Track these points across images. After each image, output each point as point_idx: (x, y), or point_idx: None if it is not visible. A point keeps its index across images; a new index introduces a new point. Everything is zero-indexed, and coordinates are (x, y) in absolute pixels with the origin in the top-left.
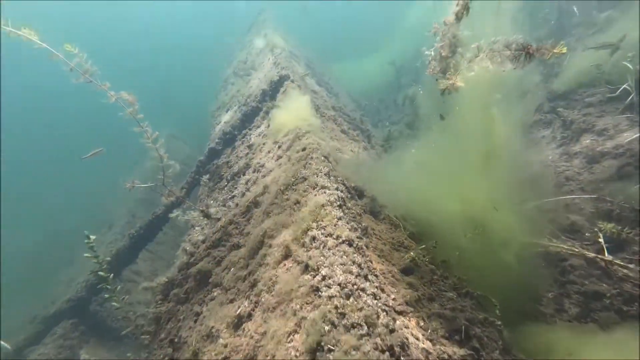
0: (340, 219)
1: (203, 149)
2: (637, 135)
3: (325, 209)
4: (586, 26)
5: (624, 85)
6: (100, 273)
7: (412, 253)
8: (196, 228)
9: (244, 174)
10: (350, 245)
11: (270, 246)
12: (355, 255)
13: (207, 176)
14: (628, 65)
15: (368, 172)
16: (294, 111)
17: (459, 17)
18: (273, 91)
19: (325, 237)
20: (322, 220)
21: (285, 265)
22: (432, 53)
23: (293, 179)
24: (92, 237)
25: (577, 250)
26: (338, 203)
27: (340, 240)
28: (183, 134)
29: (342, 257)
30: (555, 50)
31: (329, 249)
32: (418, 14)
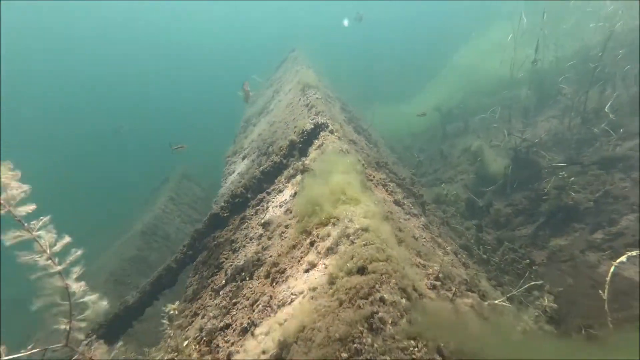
0: None
1: (215, 193)
2: None
3: None
4: None
5: None
6: None
7: None
8: None
9: (251, 277)
10: None
11: None
12: None
13: (194, 266)
14: None
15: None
16: (335, 184)
17: None
18: (304, 144)
19: None
20: None
21: None
22: None
23: (343, 355)
24: None
25: None
26: None
27: None
28: (199, 172)
29: None
30: None
31: None
32: (470, 54)
